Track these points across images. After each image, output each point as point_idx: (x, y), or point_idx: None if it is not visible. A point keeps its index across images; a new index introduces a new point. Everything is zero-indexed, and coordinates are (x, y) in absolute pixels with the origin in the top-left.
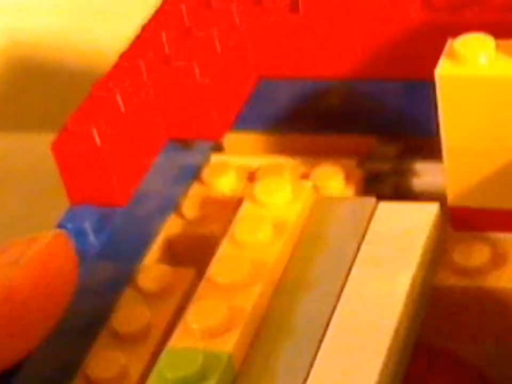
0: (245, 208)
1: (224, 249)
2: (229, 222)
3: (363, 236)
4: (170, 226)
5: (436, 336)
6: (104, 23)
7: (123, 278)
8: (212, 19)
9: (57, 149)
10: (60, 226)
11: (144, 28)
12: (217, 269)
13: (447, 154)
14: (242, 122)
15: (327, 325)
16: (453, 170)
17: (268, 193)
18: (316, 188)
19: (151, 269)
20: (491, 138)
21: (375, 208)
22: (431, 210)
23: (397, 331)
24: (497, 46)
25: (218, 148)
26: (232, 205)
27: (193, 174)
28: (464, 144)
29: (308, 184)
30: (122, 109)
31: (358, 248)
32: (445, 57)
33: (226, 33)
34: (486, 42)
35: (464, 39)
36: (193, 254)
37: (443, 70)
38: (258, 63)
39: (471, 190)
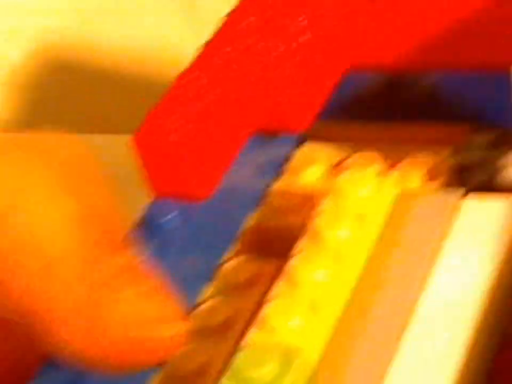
0: (327, 201)
1: (303, 243)
2: (312, 214)
3: (448, 229)
4: (254, 219)
5: None
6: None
7: (206, 271)
8: (298, 8)
9: (139, 142)
10: (143, 219)
11: (228, 17)
12: (296, 264)
13: None
14: (328, 112)
15: (406, 322)
16: None
17: (351, 187)
18: (403, 179)
19: (234, 262)
20: None
21: (462, 200)
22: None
23: (480, 323)
24: None
25: (304, 139)
26: (316, 197)
27: (278, 166)
28: None
29: (393, 174)
30: (203, 101)
31: (442, 242)
32: None
33: (312, 22)
34: None
35: None
36: (277, 246)
37: None
38: (346, 53)
39: None
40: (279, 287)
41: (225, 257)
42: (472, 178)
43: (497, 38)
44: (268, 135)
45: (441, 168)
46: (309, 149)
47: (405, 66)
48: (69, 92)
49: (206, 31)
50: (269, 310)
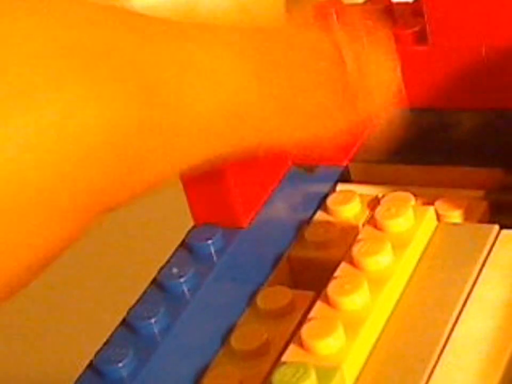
0: (365, 231)
1: (342, 269)
2: (350, 246)
3: (483, 262)
4: (293, 250)
5: None
6: None
7: (244, 298)
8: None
9: None
10: (184, 244)
11: None
12: (334, 288)
13: None
14: (367, 153)
15: (441, 350)
16: None
17: (389, 218)
18: (439, 216)
19: (272, 290)
20: None
21: (497, 236)
22: None
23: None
24: None
25: (345, 177)
26: (354, 231)
27: (317, 200)
28: None
29: (430, 209)
30: None
31: (478, 274)
32: None
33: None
34: None
35: None
36: (314, 277)
37: None
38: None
39: None
40: (318, 309)
41: (264, 284)
42: (508, 218)
43: None
44: (306, 169)
45: (477, 209)
46: (345, 188)
47: (446, 105)
48: None
49: None
50: (308, 330)
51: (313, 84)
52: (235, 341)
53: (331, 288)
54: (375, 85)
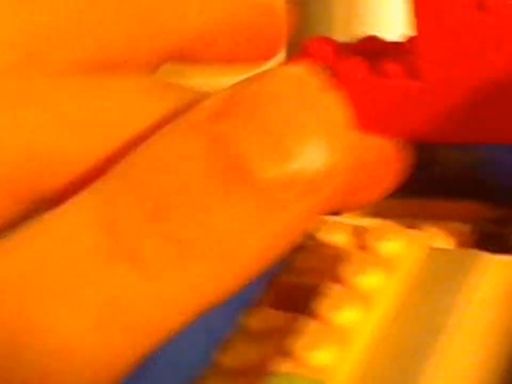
0: (355, 254)
1: (330, 288)
2: (338, 268)
3: (467, 287)
4: (282, 274)
5: None
6: None
7: (231, 318)
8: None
9: None
10: None
11: None
12: (324, 304)
13: None
14: None
15: (419, 372)
16: None
17: (380, 240)
18: (429, 241)
19: (260, 311)
20: None
21: (481, 260)
22: None
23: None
24: None
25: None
26: (343, 256)
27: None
28: None
29: (422, 235)
30: None
31: (460, 299)
32: None
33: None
34: None
35: None
36: (303, 303)
37: None
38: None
39: None
40: (306, 324)
41: (249, 306)
42: (493, 250)
43: None
44: None
45: (463, 242)
46: (330, 220)
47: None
48: None
49: None
50: (298, 342)
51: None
52: (223, 360)
53: (319, 305)
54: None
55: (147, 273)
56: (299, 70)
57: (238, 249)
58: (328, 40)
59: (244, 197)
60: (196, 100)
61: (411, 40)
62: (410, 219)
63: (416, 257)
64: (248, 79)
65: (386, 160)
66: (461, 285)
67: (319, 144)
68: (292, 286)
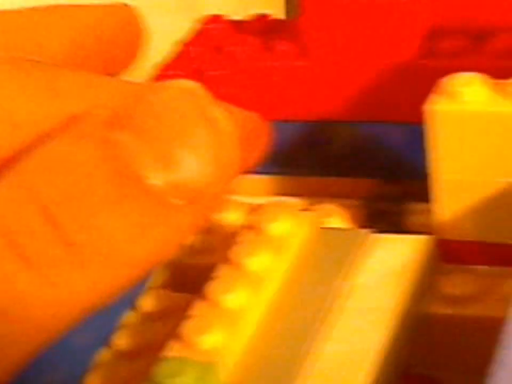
0: (245, 234)
1: (220, 270)
2: (229, 249)
3: (354, 266)
4: (175, 256)
5: (422, 364)
6: None
7: (126, 301)
8: (222, 62)
9: None
10: None
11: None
12: (213, 287)
13: (436, 187)
14: None
15: (308, 352)
16: (441, 204)
17: (268, 221)
18: (318, 220)
19: (154, 293)
20: (479, 172)
21: (368, 239)
22: (422, 242)
23: (380, 361)
24: (487, 83)
25: None
26: (234, 236)
27: None
28: (452, 178)
29: (309, 214)
30: None
31: (348, 278)
32: (435, 93)
33: (234, 76)
34: (475, 79)
35: (454, 77)
36: (196, 284)
37: (433, 105)
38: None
39: (459, 223)
40: (197, 307)
41: (146, 288)
42: (382, 226)
43: (413, 93)
44: None
45: (353, 217)
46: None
47: (322, 117)
48: None
49: None
50: (187, 326)
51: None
52: (117, 342)
53: (210, 287)
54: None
55: (36, 272)
56: (193, 83)
57: (128, 252)
58: (222, 19)
59: (135, 202)
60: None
61: (299, 20)
62: (307, 197)
63: (305, 237)
64: (144, 88)
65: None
66: (349, 264)
67: (204, 156)
68: (188, 267)
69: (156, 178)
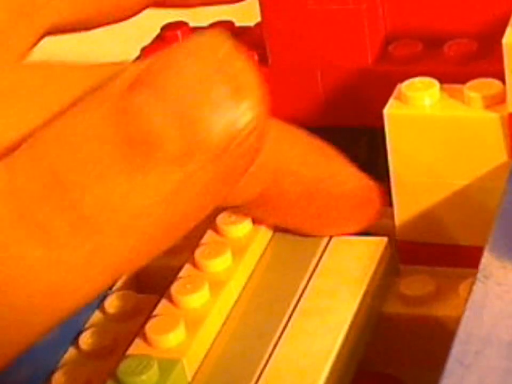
0: (207, 236)
1: (185, 271)
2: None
3: (313, 268)
4: None
5: (380, 362)
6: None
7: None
8: None
9: None
10: None
11: None
12: (177, 288)
13: (395, 190)
14: None
15: (267, 351)
16: (400, 206)
17: (230, 224)
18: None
19: (119, 294)
20: (435, 174)
21: (326, 242)
22: (379, 244)
23: (336, 357)
24: (441, 89)
25: None
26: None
27: None
28: (410, 180)
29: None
30: None
31: (308, 281)
32: (393, 98)
33: None
34: (431, 85)
35: (411, 82)
36: (159, 283)
37: (391, 109)
38: None
39: (418, 225)
40: (161, 307)
41: (110, 289)
42: None
43: (372, 97)
44: None
45: None
46: None
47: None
48: None
49: None
50: (151, 325)
51: None
52: (83, 342)
53: (174, 288)
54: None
55: (46, 241)
56: (210, 38)
57: (138, 221)
58: (182, 25)
59: (148, 170)
60: (114, 72)
61: (261, 26)
62: None
63: (263, 241)
64: (163, 51)
65: None
66: (308, 266)
67: (223, 114)
68: (153, 268)
69: (172, 142)
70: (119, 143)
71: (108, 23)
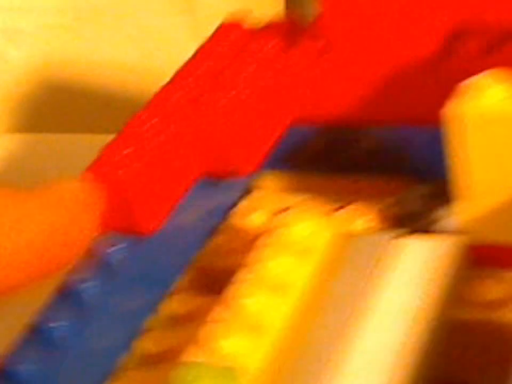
0: (266, 238)
1: (240, 274)
2: (251, 256)
3: (381, 271)
4: (200, 258)
5: (451, 369)
6: (133, 24)
7: (151, 304)
8: (246, 61)
9: (92, 175)
10: (91, 251)
11: (184, 66)
12: (235, 291)
13: (463, 190)
14: (274, 163)
15: (331, 359)
16: (469, 208)
17: (290, 225)
18: (345, 222)
19: (178, 297)
20: (505, 173)
21: (394, 243)
22: (452, 244)
23: (405, 366)
24: (508, 85)
25: (250, 188)
26: (256, 242)
27: (225, 210)
28: (476, 180)
29: (335, 219)
30: (155, 141)
31: (374, 283)
32: (455, 96)
33: (258, 74)
34: (496, 82)
35: (473, 80)
36: (220, 285)
37: (452, 108)
38: (291, 106)
39: (487, 227)
40: (217, 311)
41: (170, 291)
42: (408, 227)
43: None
44: (215, 180)
45: (381, 217)
46: (255, 197)
47: (346, 122)
48: (64, 92)
49: (206, 33)
50: (207, 331)
51: None
52: (141, 347)
53: (230, 292)
54: None
55: None
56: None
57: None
58: (239, 21)
59: None
60: None
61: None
62: (336, 195)
63: (329, 241)
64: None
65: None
66: (373, 269)
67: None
68: (213, 270)
69: None
70: None
71: None
